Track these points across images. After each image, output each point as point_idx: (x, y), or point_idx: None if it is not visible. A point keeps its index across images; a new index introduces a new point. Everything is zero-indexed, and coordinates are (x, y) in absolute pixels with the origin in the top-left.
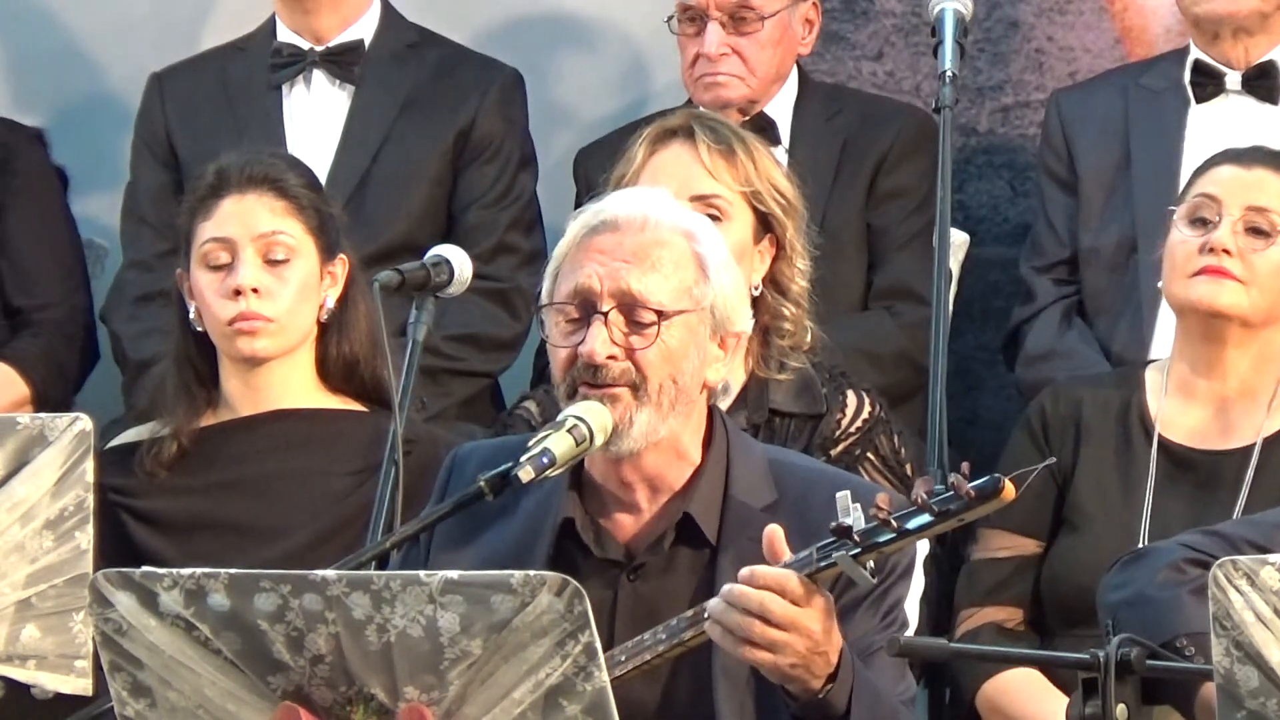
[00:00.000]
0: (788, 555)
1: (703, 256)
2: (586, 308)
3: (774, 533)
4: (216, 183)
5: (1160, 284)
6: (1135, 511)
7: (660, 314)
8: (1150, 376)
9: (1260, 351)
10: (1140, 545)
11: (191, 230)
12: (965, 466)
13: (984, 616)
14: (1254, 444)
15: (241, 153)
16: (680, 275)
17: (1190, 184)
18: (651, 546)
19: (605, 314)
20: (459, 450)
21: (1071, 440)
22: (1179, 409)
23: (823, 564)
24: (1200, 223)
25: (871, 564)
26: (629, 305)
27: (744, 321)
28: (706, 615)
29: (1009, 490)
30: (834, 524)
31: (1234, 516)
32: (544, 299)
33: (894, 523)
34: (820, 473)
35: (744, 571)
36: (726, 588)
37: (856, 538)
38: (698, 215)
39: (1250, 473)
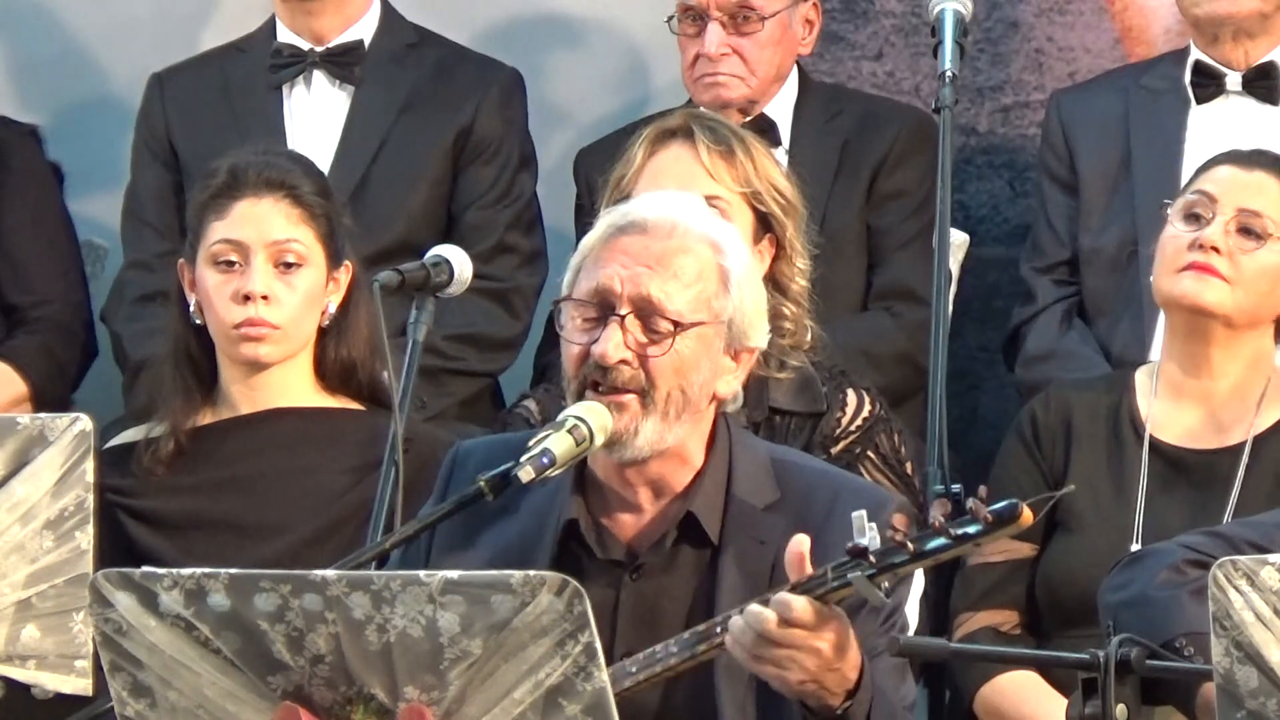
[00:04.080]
0: (808, 569)
1: (726, 269)
2: (605, 308)
3: (798, 545)
4: (231, 181)
5: (1151, 278)
6: (1128, 512)
7: (677, 324)
8: (1140, 379)
9: (1248, 354)
10: (1134, 546)
11: (202, 226)
12: (982, 490)
13: (980, 621)
14: (1244, 442)
15: (257, 151)
16: (701, 286)
17: (1191, 180)
18: (654, 546)
19: (622, 317)
20: (461, 446)
21: (1063, 444)
22: (1169, 409)
23: (836, 584)
24: (1194, 219)
25: (887, 584)
26: (647, 312)
27: (760, 337)
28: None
29: (1027, 516)
30: (850, 544)
31: (1226, 515)
32: (564, 291)
33: (910, 545)
34: (823, 473)
35: (776, 597)
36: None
37: (872, 559)
38: (726, 225)
39: (1241, 471)
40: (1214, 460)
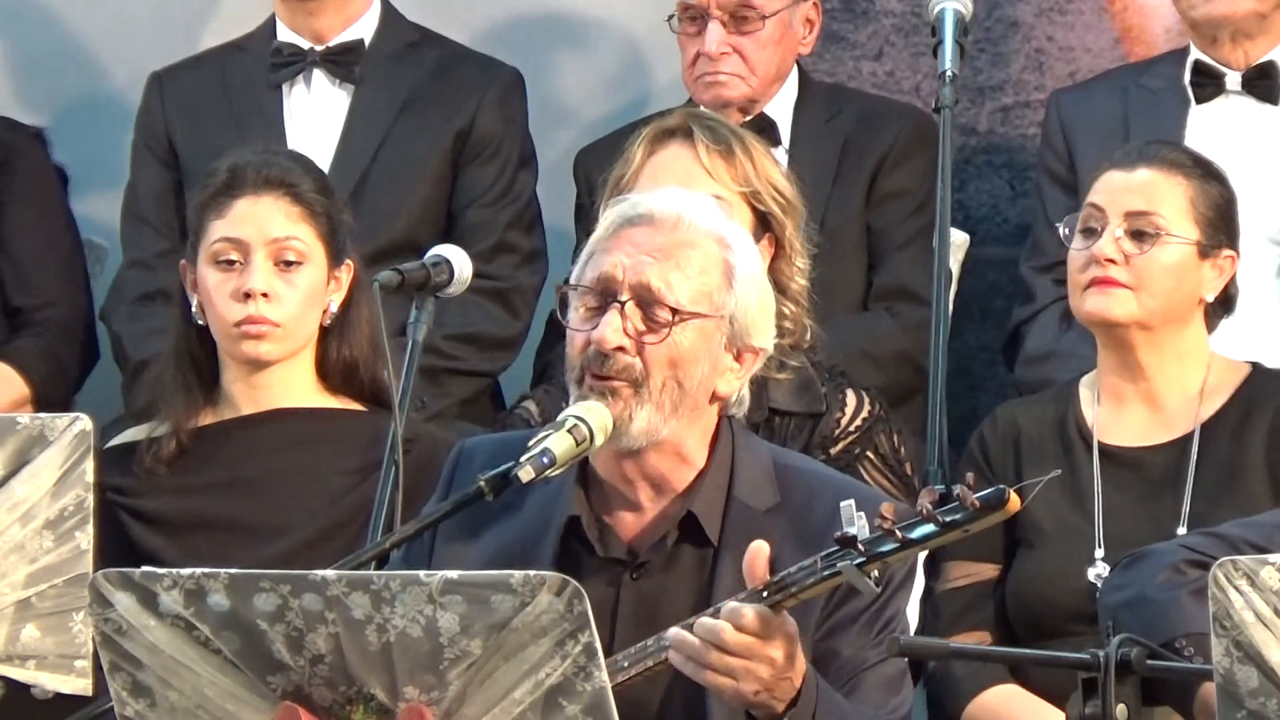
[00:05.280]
0: (764, 576)
1: (731, 265)
2: (606, 296)
3: (757, 551)
4: (231, 180)
5: None
6: (1088, 518)
7: (675, 312)
8: (1083, 390)
9: (1177, 349)
10: (1098, 550)
11: (202, 225)
12: (970, 477)
13: None
14: (1193, 431)
15: (256, 151)
16: (703, 279)
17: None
18: (654, 545)
19: (622, 304)
20: (465, 443)
21: (1013, 462)
22: (1113, 414)
23: (826, 573)
24: (1089, 233)
25: (876, 573)
26: (646, 299)
27: (765, 338)
28: (666, 643)
29: (1014, 501)
30: (838, 534)
31: (1184, 506)
32: (571, 281)
33: (898, 533)
34: (826, 478)
35: (727, 605)
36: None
37: (861, 547)
38: (737, 225)
39: (1193, 460)
40: (1164, 454)
